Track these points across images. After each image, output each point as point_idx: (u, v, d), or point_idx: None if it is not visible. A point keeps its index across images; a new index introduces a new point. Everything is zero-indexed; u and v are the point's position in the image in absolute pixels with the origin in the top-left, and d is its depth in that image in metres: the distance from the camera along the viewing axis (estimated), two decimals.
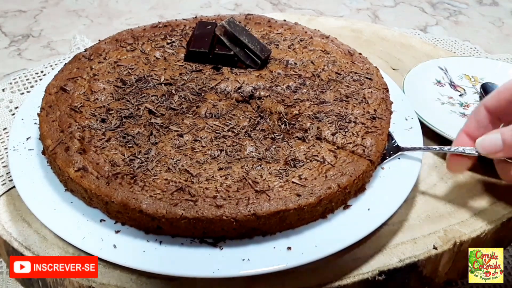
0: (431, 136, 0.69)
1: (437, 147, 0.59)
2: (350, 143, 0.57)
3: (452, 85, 0.80)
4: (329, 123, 0.59)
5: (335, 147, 0.57)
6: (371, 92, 0.64)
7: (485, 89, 0.78)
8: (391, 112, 0.63)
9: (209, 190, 0.51)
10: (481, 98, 0.78)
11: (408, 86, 0.76)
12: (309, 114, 0.61)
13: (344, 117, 0.60)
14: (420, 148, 0.60)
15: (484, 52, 1.00)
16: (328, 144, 0.58)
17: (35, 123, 0.63)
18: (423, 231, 0.56)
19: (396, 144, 0.61)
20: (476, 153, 0.51)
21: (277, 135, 0.59)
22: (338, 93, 0.64)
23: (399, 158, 0.60)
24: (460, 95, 0.79)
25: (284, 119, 0.60)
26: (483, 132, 0.52)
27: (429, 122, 0.69)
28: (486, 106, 0.53)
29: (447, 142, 0.67)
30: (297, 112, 0.61)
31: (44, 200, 0.54)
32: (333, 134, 0.58)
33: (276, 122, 0.61)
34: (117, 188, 0.51)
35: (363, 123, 0.59)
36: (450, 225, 0.57)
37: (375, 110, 0.61)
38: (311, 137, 0.58)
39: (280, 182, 0.52)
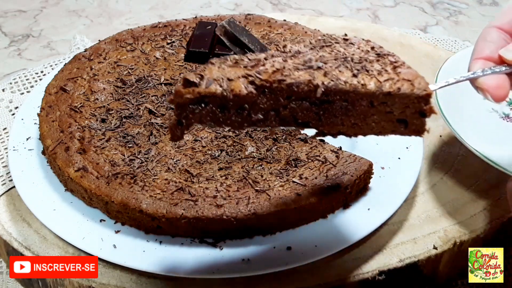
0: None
1: (463, 76, 0.45)
2: (387, 80, 0.39)
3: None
4: (334, 67, 0.40)
5: (338, 149, 0.57)
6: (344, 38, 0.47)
7: None
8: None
9: (209, 190, 0.51)
10: None
11: (451, 67, 0.63)
12: (294, 66, 0.40)
13: (346, 57, 0.42)
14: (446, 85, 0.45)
15: None
16: (330, 145, 0.58)
17: (35, 123, 0.63)
18: (423, 231, 0.56)
19: None
20: (504, 69, 0.43)
21: (279, 136, 0.59)
22: (308, 43, 0.45)
23: (399, 158, 0.60)
24: None
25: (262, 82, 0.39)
26: None
27: (449, 122, 0.58)
28: (499, 27, 0.48)
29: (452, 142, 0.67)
30: (275, 69, 0.40)
31: (44, 200, 0.54)
32: (354, 76, 0.39)
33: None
34: (117, 188, 0.51)
35: (376, 60, 0.42)
36: (450, 225, 0.57)
37: (372, 48, 0.44)
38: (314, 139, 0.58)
39: (281, 181, 0.52)
